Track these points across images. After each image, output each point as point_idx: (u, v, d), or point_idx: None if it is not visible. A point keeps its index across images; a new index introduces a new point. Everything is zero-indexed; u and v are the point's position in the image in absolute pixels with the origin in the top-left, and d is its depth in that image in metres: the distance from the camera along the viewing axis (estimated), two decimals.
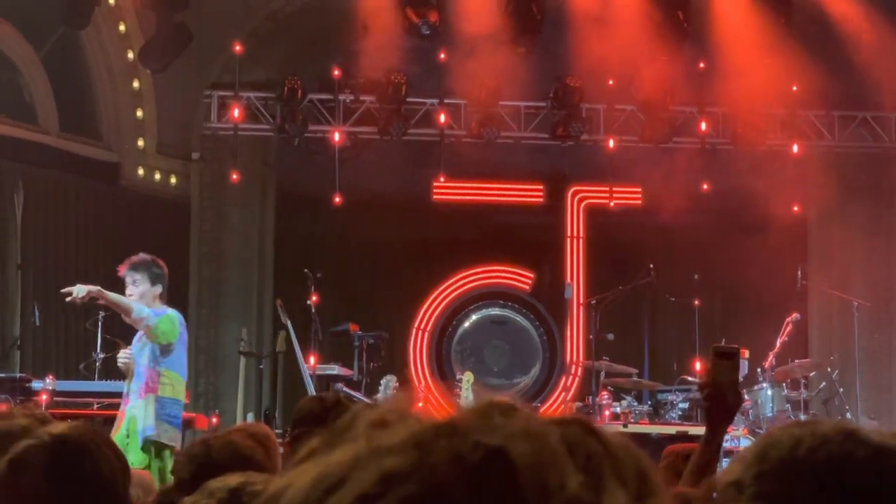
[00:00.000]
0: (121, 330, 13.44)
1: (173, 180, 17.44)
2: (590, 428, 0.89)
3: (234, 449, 4.25)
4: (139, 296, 9.93)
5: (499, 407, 0.89)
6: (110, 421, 11.41)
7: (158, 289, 10.12)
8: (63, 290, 9.94)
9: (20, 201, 15.44)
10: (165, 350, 9.86)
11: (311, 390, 12.58)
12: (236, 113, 16.80)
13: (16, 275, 15.28)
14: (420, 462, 0.84)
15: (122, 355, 9.96)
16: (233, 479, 2.69)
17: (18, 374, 12.19)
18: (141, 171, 17.03)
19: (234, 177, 16.87)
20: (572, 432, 0.87)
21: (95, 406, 11.72)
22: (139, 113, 16.97)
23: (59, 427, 3.13)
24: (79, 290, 9.73)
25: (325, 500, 0.85)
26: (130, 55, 16.68)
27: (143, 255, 10.22)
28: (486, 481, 0.83)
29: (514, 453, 0.84)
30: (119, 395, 11.30)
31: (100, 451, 3.02)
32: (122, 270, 10.10)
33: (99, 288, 9.85)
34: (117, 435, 9.56)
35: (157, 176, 17.24)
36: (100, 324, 12.84)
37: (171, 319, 10.00)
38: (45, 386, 11.24)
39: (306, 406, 5.51)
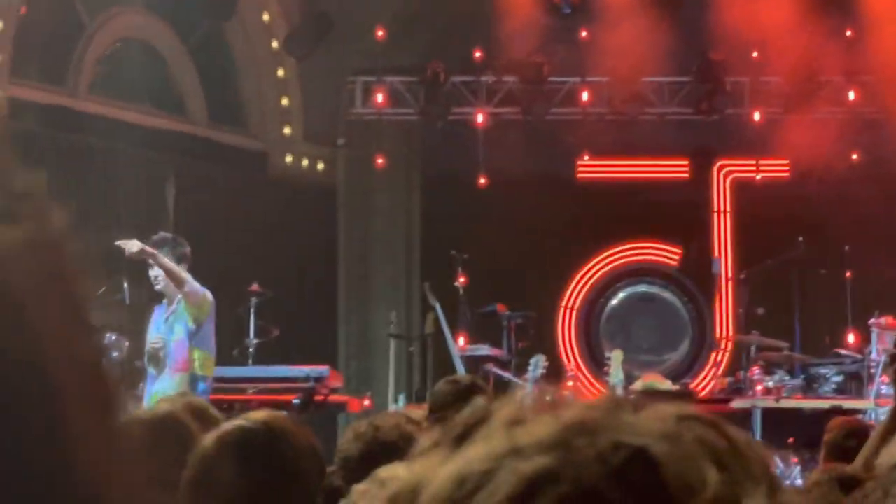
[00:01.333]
0: (274, 315, 13.67)
1: (320, 166, 17.63)
2: (714, 424, 0.91)
3: (400, 430, 4.33)
4: (163, 277, 9.85)
5: (625, 404, 0.91)
6: (265, 406, 11.61)
7: (184, 268, 9.98)
8: (118, 242, 9.94)
9: (172, 191, 15.73)
10: (198, 328, 9.84)
11: (461, 371, 12.65)
12: (380, 98, 16.92)
13: None
14: (566, 462, 0.85)
15: (156, 342, 9.88)
16: (402, 470, 2.75)
17: None
18: (288, 159, 17.24)
19: (380, 161, 17.01)
20: (698, 428, 0.89)
21: (250, 391, 11.91)
22: (285, 101, 17.18)
23: (259, 414, 3.22)
24: (132, 245, 9.74)
25: (471, 500, 0.85)
26: (275, 44, 16.89)
27: (164, 234, 10.13)
28: (634, 480, 0.85)
29: (655, 452, 0.86)
30: (273, 380, 11.52)
31: (296, 439, 3.10)
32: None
33: (154, 252, 9.84)
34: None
35: (305, 163, 17.44)
36: (252, 310, 13.03)
37: (208, 297, 10.00)
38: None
39: (442, 390, 5.55)
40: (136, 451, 0.96)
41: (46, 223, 0.97)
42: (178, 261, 9.90)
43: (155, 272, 9.83)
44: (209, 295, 10.02)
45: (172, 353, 9.77)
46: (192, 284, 9.75)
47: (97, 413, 0.94)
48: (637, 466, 0.86)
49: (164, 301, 10.07)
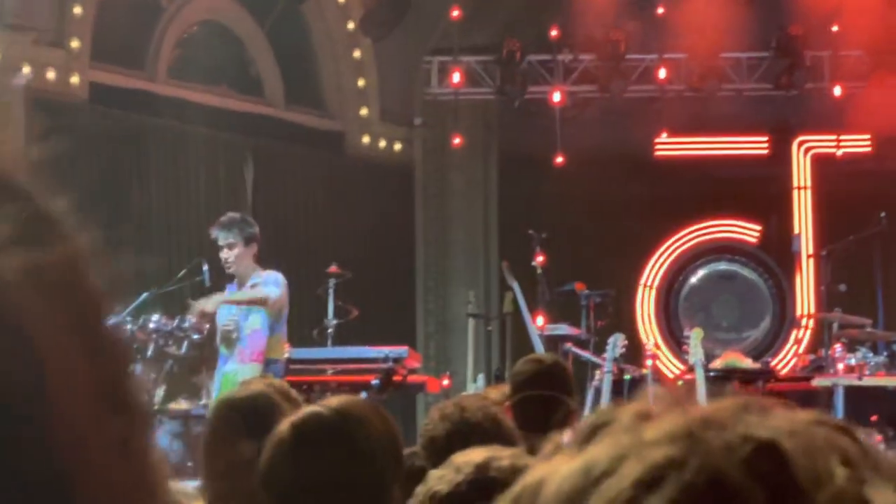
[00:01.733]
0: (353, 296, 13.72)
1: (397, 147, 17.67)
2: (844, 429, 0.92)
3: (486, 411, 4.35)
4: (235, 258, 9.78)
5: (752, 406, 0.91)
6: (345, 386, 11.66)
7: (253, 248, 9.94)
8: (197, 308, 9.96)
9: (250, 173, 15.83)
10: (276, 321, 9.83)
11: (540, 350, 12.64)
12: (456, 77, 16.92)
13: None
14: (694, 451, 0.85)
15: (228, 325, 9.82)
16: (478, 454, 2.74)
17: None
18: (365, 139, 17.30)
19: (457, 141, 17.02)
20: (827, 431, 0.90)
21: (330, 372, 11.96)
22: (361, 82, 17.22)
23: (334, 400, 3.23)
24: (209, 305, 9.76)
25: (597, 487, 0.85)
26: (351, 25, 16.93)
27: (232, 215, 10.04)
28: (762, 470, 0.85)
29: (786, 445, 0.86)
30: (352, 361, 11.53)
31: (372, 425, 3.11)
32: (213, 232, 9.95)
33: (218, 301, 9.84)
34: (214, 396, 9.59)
35: (382, 143, 17.48)
36: (331, 291, 13.08)
37: (284, 286, 9.95)
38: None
39: (524, 369, 5.56)
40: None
41: (66, 246, 0.97)
42: (247, 242, 9.87)
43: (226, 254, 9.80)
44: (284, 286, 10.02)
45: (247, 340, 9.75)
46: (271, 296, 9.73)
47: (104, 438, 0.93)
48: (765, 457, 0.86)
49: (234, 282, 10.04)
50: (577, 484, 0.87)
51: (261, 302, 9.70)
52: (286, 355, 11.24)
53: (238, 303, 9.76)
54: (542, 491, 0.89)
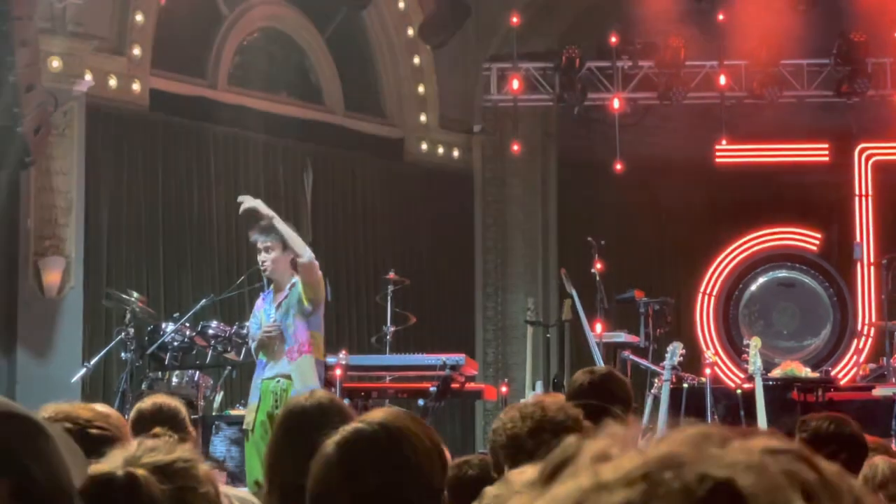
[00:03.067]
0: (411, 303, 13.75)
1: (456, 153, 17.69)
2: (803, 457, 0.90)
3: (566, 410, 4.37)
4: (272, 262, 9.70)
5: (711, 437, 0.90)
6: (402, 393, 11.67)
7: (291, 253, 9.75)
8: (239, 198, 9.94)
9: (310, 180, 15.89)
10: (315, 311, 9.75)
11: (598, 358, 12.61)
12: (515, 84, 16.92)
13: None
14: (650, 494, 0.84)
15: (270, 330, 9.73)
16: (531, 473, 2.74)
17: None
18: (424, 146, 17.33)
19: (516, 148, 17.02)
20: (786, 461, 0.88)
21: (388, 379, 11.97)
22: (420, 88, 17.26)
23: (377, 415, 3.24)
24: (250, 201, 9.74)
25: None
26: (410, 32, 16.98)
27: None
28: None
29: (741, 485, 0.85)
30: (410, 368, 11.52)
31: (417, 439, 3.11)
32: (252, 235, 9.88)
33: (273, 215, 9.77)
34: (262, 406, 9.51)
35: (441, 150, 17.51)
36: (389, 297, 13.10)
37: (320, 274, 9.91)
38: (339, 360, 11.50)
39: (578, 380, 5.61)
40: None
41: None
42: (286, 246, 9.75)
43: (263, 257, 9.71)
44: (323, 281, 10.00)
45: (292, 337, 9.70)
46: (312, 258, 9.67)
47: None
48: (722, 498, 0.85)
49: (270, 288, 9.98)
50: None
51: (297, 247, 9.62)
52: (327, 358, 11.30)
53: (279, 227, 9.65)
54: None
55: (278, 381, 9.62)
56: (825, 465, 0.90)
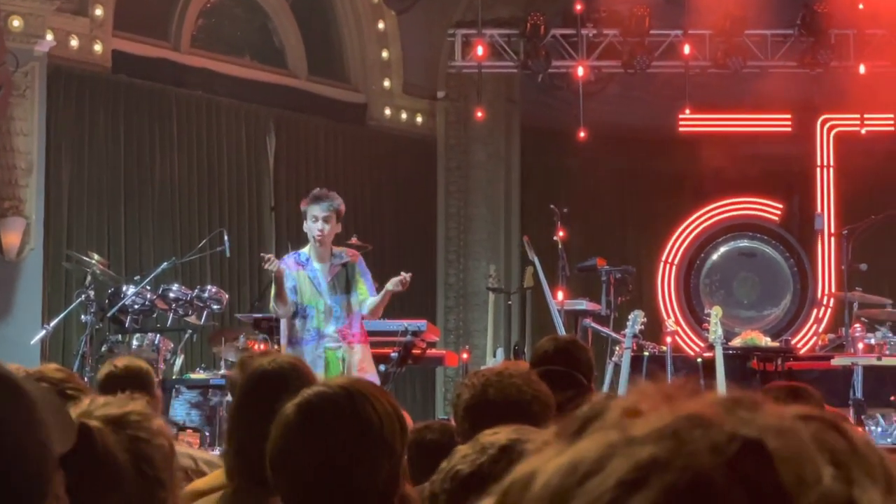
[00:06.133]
0: (372, 268, 13.73)
1: (419, 119, 17.66)
2: (834, 424, 0.90)
3: (528, 377, 4.41)
4: (326, 234, 9.65)
5: (743, 401, 0.91)
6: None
7: (339, 225, 9.77)
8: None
9: (272, 144, 15.84)
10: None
11: (560, 326, 12.64)
12: (480, 51, 16.89)
13: (269, 216, 15.71)
14: (679, 451, 0.85)
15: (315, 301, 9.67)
16: (503, 435, 2.73)
17: (275, 314, 12.48)
18: (388, 112, 17.29)
19: (479, 114, 16.99)
20: (817, 428, 0.89)
21: None
22: (385, 54, 17.20)
23: (339, 379, 3.24)
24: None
25: (583, 485, 0.86)
26: None
27: (327, 191, 9.86)
28: (747, 471, 0.85)
29: (770, 446, 0.86)
30: (371, 333, 11.50)
31: (378, 403, 3.11)
32: (308, 204, 9.77)
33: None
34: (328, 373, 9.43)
35: (404, 116, 17.47)
36: None
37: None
38: None
39: (542, 346, 5.65)
40: None
41: None
42: (339, 217, 9.67)
43: (321, 226, 9.52)
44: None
45: (353, 321, 9.67)
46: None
47: None
48: (750, 458, 0.86)
49: (308, 254, 9.77)
50: (563, 481, 0.87)
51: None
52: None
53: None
54: (531, 485, 0.89)
55: (346, 354, 9.59)
56: (856, 433, 0.90)
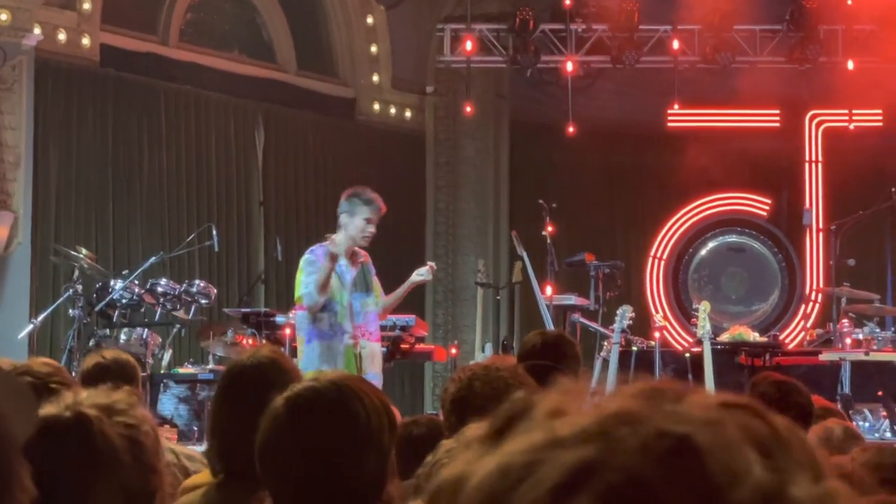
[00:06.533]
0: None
1: (408, 114, 17.65)
2: (757, 412, 0.90)
3: (516, 371, 4.41)
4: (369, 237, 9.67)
5: (665, 392, 0.90)
6: None
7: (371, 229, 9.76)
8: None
9: (261, 139, 15.82)
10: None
11: (548, 320, 12.64)
12: (469, 46, 16.88)
13: (258, 211, 15.70)
14: (609, 451, 0.84)
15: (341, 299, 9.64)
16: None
17: (263, 309, 12.50)
18: (377, 106, 17.27)
19: (468, 109, 16.98)
20: (741, 416, 0.88)
21: None
22: (374, 48, 17.19)
23: (329, 373, 3.23)
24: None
25: (516, 491, 0.85)
26: None
27: (374, 192, 9.85)
28: (678, 469, 0.84)
29: (699, 440, 0.85)
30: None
31: (367, 397, 3.11)
32: (349, 199, 9.63)
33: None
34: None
35: (393, 110, 17.46)
36: None
37: None
38: (289, 320, 11.49)
39: (530, 341, 5.66)
40: None
41: None
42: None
43: (371, 229, 9.54)
44: None
45: (371, 320, 9.66)
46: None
47: None
48: (681, 454, 0.85)
49: (339, 250, 9.71)
50: (495, 486, 0.86)
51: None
52: (277, 316, 11.33)
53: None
54: (461, 487, 0.88)
55: (369, 348, 9.58)
56: (778, 419, 0.90)
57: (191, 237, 13.01)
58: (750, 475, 0.84)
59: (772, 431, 0.88)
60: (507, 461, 0.86)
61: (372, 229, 9.59)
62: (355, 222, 9.57)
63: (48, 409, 2.45)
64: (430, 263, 9.73)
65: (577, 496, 0.83)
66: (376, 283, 9.79)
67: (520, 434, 0.88)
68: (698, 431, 0.86)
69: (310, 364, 9.20)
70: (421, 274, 9.73)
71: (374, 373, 9.39)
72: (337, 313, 9.53)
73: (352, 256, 9.64)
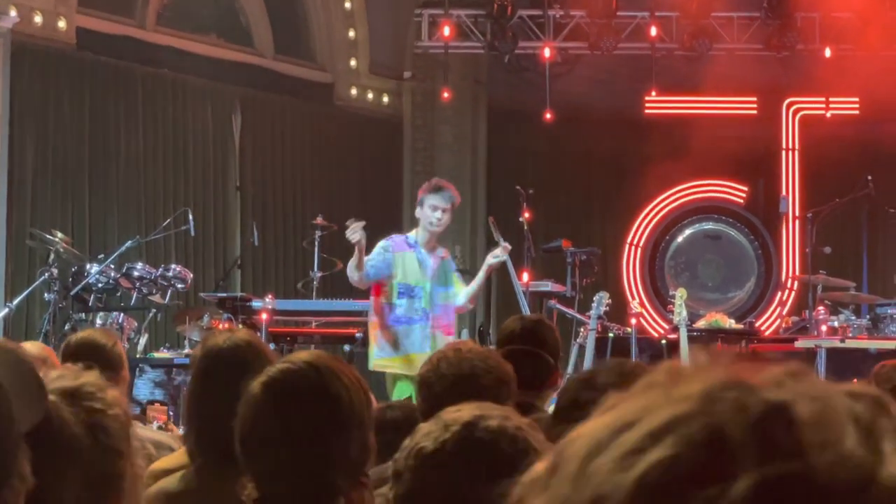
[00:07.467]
0: (338, 249, 13.71)
1: (386, 99, 17.62)
2: (881, 403, 0.91)
3: (488, 355, 4.42)
4: (444, 224, 9.68)
5: (797, 373, 0.92)
6: (328, 339, 11.66)
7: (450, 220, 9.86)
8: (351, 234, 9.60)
9: (238, 123, 15.78)
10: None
11: (525, 307, 12.64)
12: (447, 31, 16.85)
13: (235, 196, 15.66)
14: (705, 408, 0.88)
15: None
16: (467, 412, 2.72)
17: (239, 294, 12.49)
18: (354, 91, 17.25)
19: (446, 95, 16.98)
20: (861, 404, 0.89)
21: (313, 324, 11.96)
22: (351, 33, 17.15)
23: (302, 354, 3.23)
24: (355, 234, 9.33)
25: (616, 438, 0.90)
26: None
27: (446, 182, 9.87)
28: (766, 429, 0.87)
29: (797, 409, 0.87)
30: (336, 313, 11.48)
31: (344, 376, 3.11)
32: (423, 192, 9.71)
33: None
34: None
35: (370, 95, 17.44)
36: (317, 243, 13.07)
37: None
38: (264, 305, 11.49)
39: (508, 326, 5.67)
40: None
41: None
42: (454, 208, 9.64)
43: (440, 215, 9.50)
44: None
45: (448, 311, 9.63)
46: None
47: None
48: (774, 419, 0.87)
49: (416, 239, 9.67)
50: (603, 434, 0.91)
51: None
52: (253, 302, 11.28)
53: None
54: (579, 440, 0.93)
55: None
56: None
57: (167, 221, 12.98)
58: (839, 445, 0.85)
59: (890, 422, 0.89)
60: (620, 416, 0.92)
61: (439, 216, 9.56)
62: (424, 211, 9.63)
63: None
64: (504, 244, 9.72)
65: (664, 441, 0.88)
66: (457, 278, 9.79)
67: (640, 394, 0.93)
68: (801, 402, 0.88)
69: (383, 350, 9.46)
70: (496, 256, 9.74)
71: None
72: (420, 298, 9.53)
73: (432, 249, 9.65)
